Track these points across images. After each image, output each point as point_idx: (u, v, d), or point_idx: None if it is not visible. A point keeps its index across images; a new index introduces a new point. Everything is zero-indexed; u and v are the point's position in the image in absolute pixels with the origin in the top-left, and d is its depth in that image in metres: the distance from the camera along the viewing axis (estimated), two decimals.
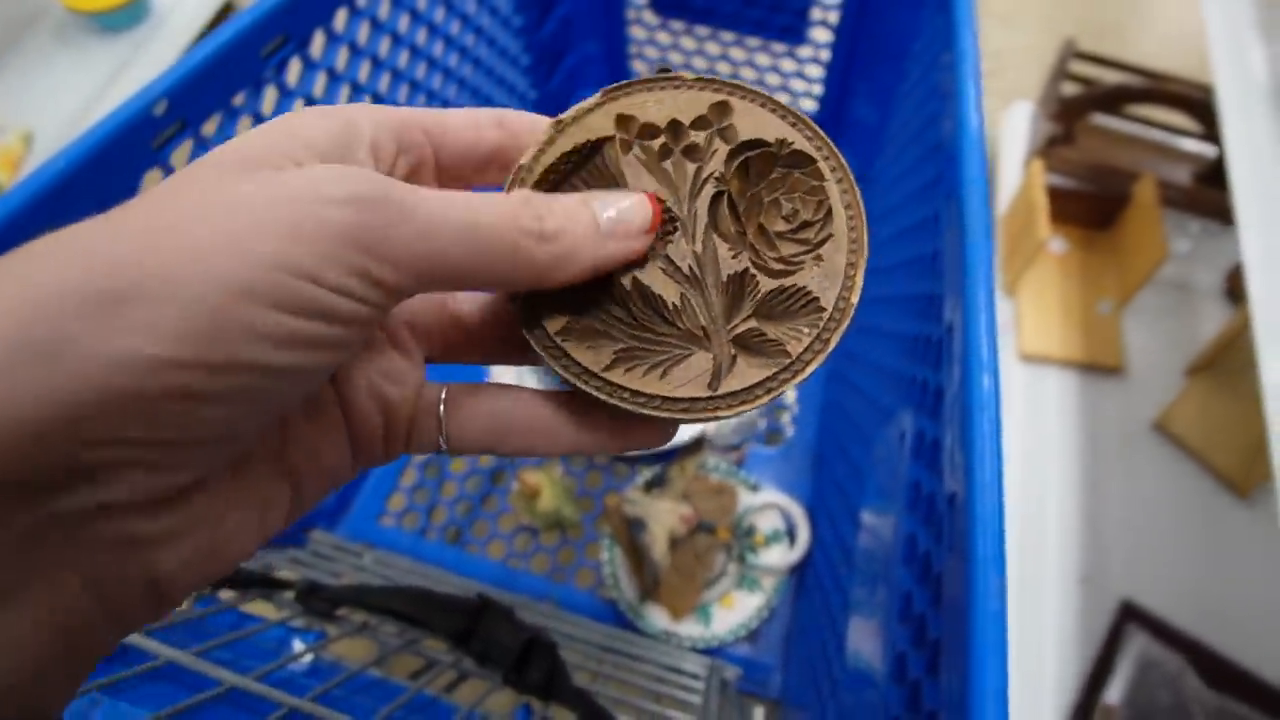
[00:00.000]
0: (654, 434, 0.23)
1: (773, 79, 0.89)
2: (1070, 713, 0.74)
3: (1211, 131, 0.99)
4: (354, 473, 0.22)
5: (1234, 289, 0.98)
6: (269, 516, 0.19)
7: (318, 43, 0.51)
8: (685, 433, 0.71)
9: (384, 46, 0.58)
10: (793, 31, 0.82)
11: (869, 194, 0.74)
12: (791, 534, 0.68)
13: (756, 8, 0.81)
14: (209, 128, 0.45)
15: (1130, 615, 0.79)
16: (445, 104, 0.69)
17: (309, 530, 0.68)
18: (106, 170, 0.39)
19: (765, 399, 0.22)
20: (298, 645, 0.46)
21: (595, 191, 0.22)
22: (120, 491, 0.15)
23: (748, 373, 0.22)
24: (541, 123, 0.23)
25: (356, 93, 0.57)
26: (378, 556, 0.67)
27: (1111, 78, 1.06)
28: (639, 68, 0.93)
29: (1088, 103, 1.05)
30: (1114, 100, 1.04)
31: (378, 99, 0.59)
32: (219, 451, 0.16)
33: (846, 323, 0.22)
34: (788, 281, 0.22)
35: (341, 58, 0.54)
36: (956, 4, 0.46)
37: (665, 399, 0.22)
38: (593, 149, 0.23)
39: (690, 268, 0.22)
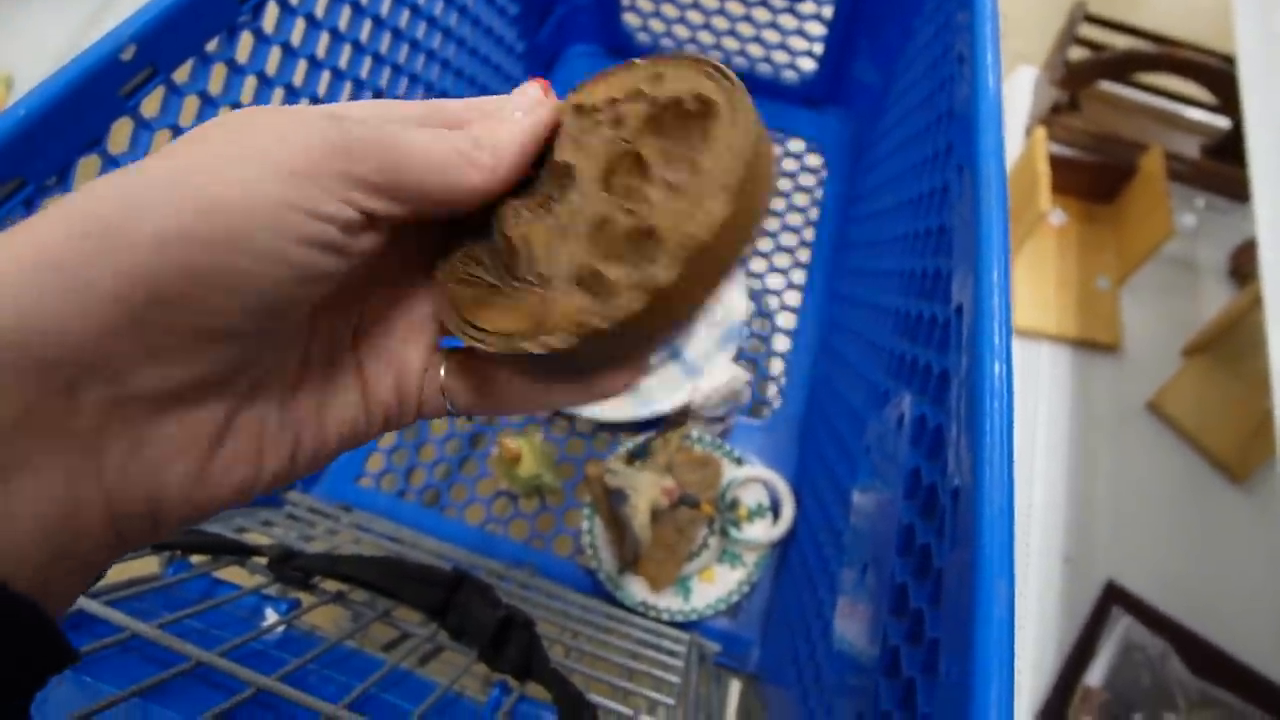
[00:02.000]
0: (612, 381, 0.24)
1: (770, 36, 0.85)
2: (1048, 693, 0.74)
3: (1225, 102, 0.96)
4: (369, 433, 0.24)
5: (1239, 268, 0.96)
6: (266, 460, 0.21)
7: None
8: (668, 403, 0.69)
9: None
10: None
11: (868, 159, 0.72)
12: (775, 509, 0.66)
13: None
14: (180, 75, 0.43)
15: (1114, 597, 0.78)
16: (429, 54, 0.65)
17: (286, 490, 0.67)
18: (71, 118, 0.37)
19: (573, 339, 0.21)
20: (270, 614, 0.45)
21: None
22: (134, 382, 0.17)
23: (570, 308, 0.21)
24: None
25: (336, 40, 0.54)
26: (355, 518, 0.65)
27: (1121, 43, 1.03)
28: (631, 20, 0.89)
29: (1096, 69, 1.02)
30: (1123, 67, 1.01)
31: (358, 49, 0.56)
32: (221, 349, 0.18)
33: (679, 263, 0.20)
34: (640, 221, 0.21)
35: (321, 3, 0.51)
36: None
37: (492, 333, 0.22)
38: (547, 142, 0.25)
39: (569, 219, 0.23)
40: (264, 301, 0.18)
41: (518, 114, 0.24)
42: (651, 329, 0.21)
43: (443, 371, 0.25)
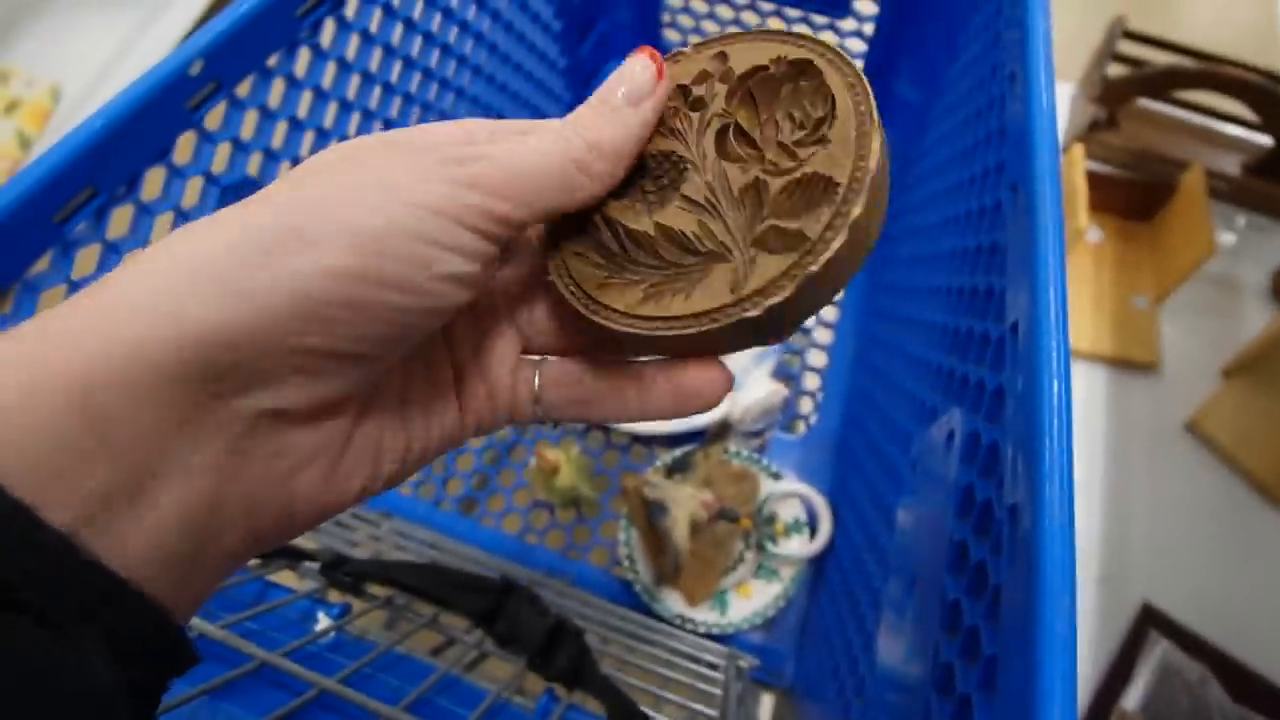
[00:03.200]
0: (710, 380, 0.24)
1: None
2: (1084, 715, 0.73)
3: (1269, 119, 0.95)
4: (463, 436, 0.25)
5: None
6: (382, 463, 0.22)
7: (352, 3, 0.50)
8: (704, 418, 0.69)
9: (418, 9, 0.56)
10: (837, 2, 0.79)
11: (910, 176, 0.72)
12: (812, 524, 0.66)
13: None
14: (243, 89, 0.44)
15: (1151, 619, 0.77)
16: (475, 70, 0.67)
17: None
18: (141, 130, 0.38)
19: (791, 287, 0.21)
20: (322, 617, 0.46)
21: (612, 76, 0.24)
22: (284, 395, 0.18)
23: (769, 267, 0.22)
24: None
25: (389, 55, 0.55)
26: (395, 525, 0.66)
27: (1160, 59, 1.02)
28: (672, 36, 0.90)
29: (1135, 86, 1.01)
30: (1163, 84, 1.00)
31: (409, 63, 0.57)
32: (363, 368, 0.19)
33: (864, 192, 0.21)
34: (796, 174, 0.22)
35: (375, 20, 0.52)
36: None
37: (692, 315, 0.22)
38: None
39: (705, 197, 0.23)
40: (400, 331, 0.19)
41: (627, 109, 0.23)
42: (848, 268, 0.22)
43: (537, 382, 0.26)
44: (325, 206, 0.18)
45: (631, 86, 0.23)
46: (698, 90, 0.24)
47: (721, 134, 0.24)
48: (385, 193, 0.18)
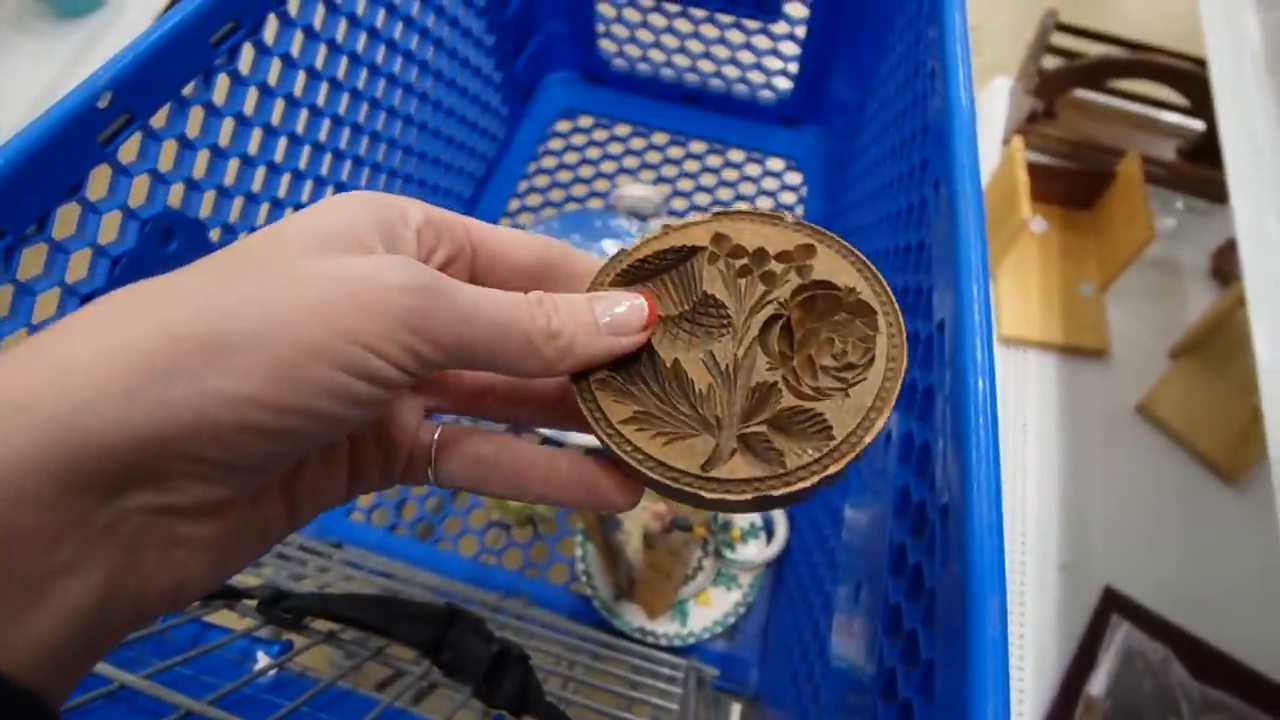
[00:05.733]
0: (622, 495, 0.25)
1: (745, 57, 0.86)
2: (1050, 705, 0.73)
3: (1200, 105, 0.97)
4: (346, 499, 0.25)
5: (1221, 268, 0.96)
6: (268, 535, 0.22)
7: (271, 28, 0.49)
8: None
9: (341, 30, 0.55)
10: (767, 7, 0.79)
11: (847, 176, 0.72)
12: (769, 528, 0.66)
13: None
14: (158, 120, 0.43)
15: (1112, 603, 0.78)
16: (407, 88, 0.66)
17: None
18: (49, 168, 0.37)
19: (748, 497, 0.23)
20: (262, 657, 0.45)
21: (602, 294, 0.24)
22: (179, 497, 0.17)
23: (740, 468, 0.23)
24: (577, 255, 0.26)
25: (313, 79, 0.54)
26: (346, 555, 0.65)
27: (1095, 50, 1.04)
28: (607, 46, 0.90)
29: (1070, 77, 1.03)
30: (1098, 74, 1.02)
31: (335, 85, 0.56)
32: (258, 478, 0.19)
33: (851, 457, 0.23)
34: (808, 404, 0.23)
35: (296, 43, 0.51)
36: None
37: (658, 462, 0.23)
38: (687, 254, 0.26)
39: (727, 366, 0.24)
40: (300, 448, 0.19)
41: (606, 335, 0.23)
42: (805, 501, 0.24)
43: (433, 450, 0.25)
44: (250, 313, 0.17)
45: (618, 320, 0.24)
46: (775, 266, 0.25)
47: (770, 323, 0.25)
48: (315, 312, 0.18)
